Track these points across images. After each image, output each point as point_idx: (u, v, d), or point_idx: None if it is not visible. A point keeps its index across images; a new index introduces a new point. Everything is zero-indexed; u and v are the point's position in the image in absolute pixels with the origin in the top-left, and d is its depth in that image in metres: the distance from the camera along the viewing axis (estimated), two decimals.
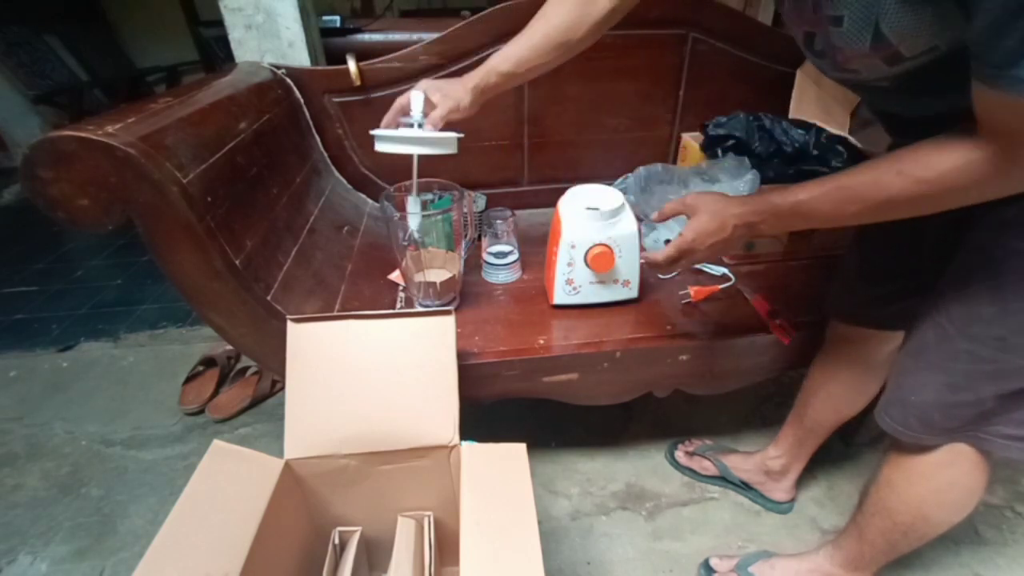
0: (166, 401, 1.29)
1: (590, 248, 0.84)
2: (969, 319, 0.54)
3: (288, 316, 0.68)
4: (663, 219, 0.73)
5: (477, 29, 1.09)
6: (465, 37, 1.10)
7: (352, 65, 1.07)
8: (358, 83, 1.09)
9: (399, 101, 0.75)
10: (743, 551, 0.92)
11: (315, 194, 1.06)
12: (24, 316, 1.66)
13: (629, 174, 1.18)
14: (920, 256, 0.64)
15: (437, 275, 0.88)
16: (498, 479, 0.57)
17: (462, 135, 0.74)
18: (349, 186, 1.20)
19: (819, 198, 0.55)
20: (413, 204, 0.78)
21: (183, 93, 0.80)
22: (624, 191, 1.05)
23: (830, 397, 0.86)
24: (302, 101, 1.09)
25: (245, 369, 1.33)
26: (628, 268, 0.88)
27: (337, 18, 1.41)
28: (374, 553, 0.73)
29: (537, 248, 0.99)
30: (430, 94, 0.73)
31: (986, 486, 0.64)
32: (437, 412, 0.65)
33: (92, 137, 0.57)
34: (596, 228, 0.83)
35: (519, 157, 1.26)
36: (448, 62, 1.12)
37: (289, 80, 1.07)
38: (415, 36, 1.32)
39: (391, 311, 0.70)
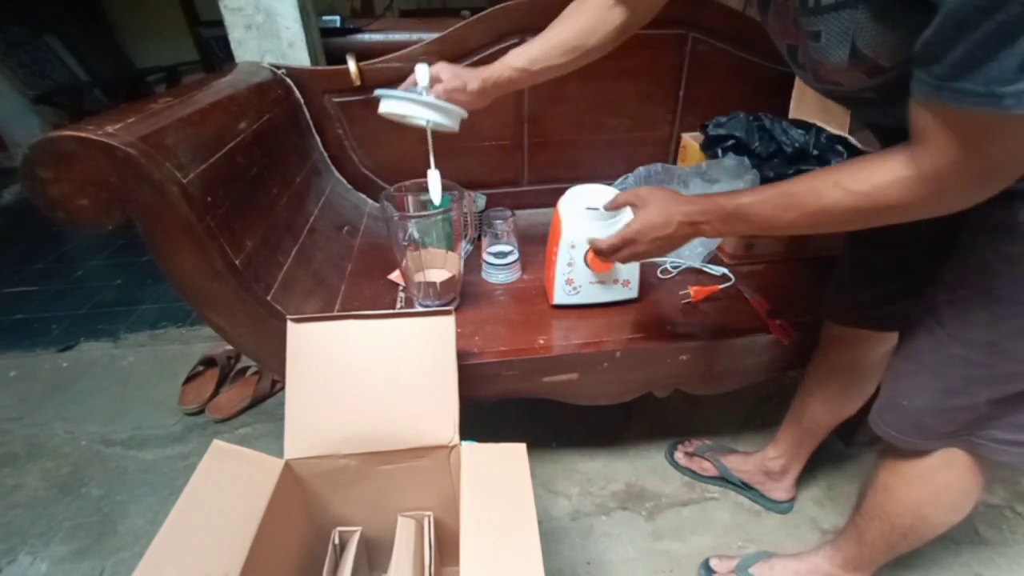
0: (166, 401, 1.29)
1: (590, 248, 0.84)
2: (961, 324, 0.53)
3: (288, 316, 0.68)
4: (615, 208, 0.77)
5: (477, 29, 1.09)
6: (465, 37, 1.10)
7: (352, 65, 1.07)
8: (358, 83, 1.09)
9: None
10: (743, 551, 0.92)
11: (315, 194, 1.06)
12: (24, 316, 1.66)
13: (629, 174, 1.18)
14: (914, 258, 0.64)
15: (437, 275, 0.88)
16: (498, 479, 0.57)
17: (467, 114, 0.75)
18: (349, 186, 1.20)
19: (761, 202, 0.55)
20: (433, 177, 0.77)
21: (183, 93, 0.80)
22: (624, 191, 1.05)
23: (826, 398, 0.86)
24: (302, 101, 1.09)
25: (245, 369, 1.33)
26: (628, 268, 0.89)
27: (337, 18, 1.42)
28: (374, 553, 0.73)
29: (537, 248, 0.99)
30: (441, 72, 0.74)
31: (984, 486, 0.64)
32: (437, 412, 0.65)
33: (92, 137, 0.57)
34: (596, 228, 0.83)
35: (519, 157, 1.26)
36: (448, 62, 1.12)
37: (289, 80, 1.07)
38: (415, 36, 1.33)
39: (391, 311, 0.70)
